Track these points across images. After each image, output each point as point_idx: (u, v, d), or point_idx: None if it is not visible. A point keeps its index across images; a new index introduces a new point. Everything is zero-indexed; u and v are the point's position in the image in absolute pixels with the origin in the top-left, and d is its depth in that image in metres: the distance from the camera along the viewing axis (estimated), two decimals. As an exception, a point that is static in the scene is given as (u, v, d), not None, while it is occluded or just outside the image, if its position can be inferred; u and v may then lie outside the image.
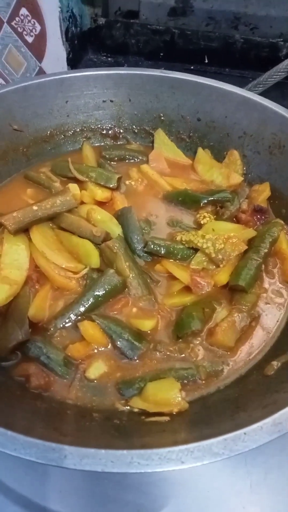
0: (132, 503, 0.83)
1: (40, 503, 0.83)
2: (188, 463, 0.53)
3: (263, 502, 0.83)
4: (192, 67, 1.70)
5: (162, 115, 1.25)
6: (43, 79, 1.15)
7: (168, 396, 0.72)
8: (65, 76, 1.18)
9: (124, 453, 0.53)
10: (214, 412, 0.70)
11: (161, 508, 0.82)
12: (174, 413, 0.71)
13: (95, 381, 0.77)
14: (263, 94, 1.33)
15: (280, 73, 1.47)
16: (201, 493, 0.84)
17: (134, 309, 0.87)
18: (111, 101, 1.25)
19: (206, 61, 1.69)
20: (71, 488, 0.84)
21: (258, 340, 0.85)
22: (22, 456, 0.52)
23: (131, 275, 0.89)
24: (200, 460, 0.53)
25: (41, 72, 1.66)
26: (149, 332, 0.84)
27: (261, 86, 1.50)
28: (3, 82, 1.74)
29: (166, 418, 0.69)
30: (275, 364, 0.76)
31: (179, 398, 0.71)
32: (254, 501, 0.84)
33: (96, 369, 0.77)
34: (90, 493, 0.84)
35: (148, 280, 0.91)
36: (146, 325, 0.83)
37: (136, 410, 0.73)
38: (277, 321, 0.88)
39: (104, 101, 1.24)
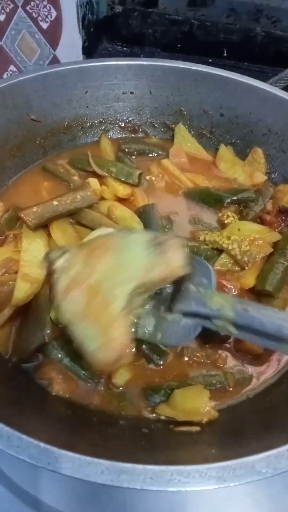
0: (150, 511, 0.81)
1: (56, 507, 0.81)
2: (229, 481, 0.51)
3: (284, 513, 0.82)
4: (210, 60, 1.65)
5: (183, 109, 1.21)
6: (62, 68, 1.10)
7: (197, 404, 0.69)
8: (85, 65, 1.13)
9: (163, 469, 0.50)
10: (247, 424, 0.68)
11: (180, 516, 0.80)
12: (204, 422, 0.68)
13: (121, 388, 0.74)
14: (284, 90, 1.29)
15: (302, 69, 1.43)
16: (222, 501, 0.82)
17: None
18: (131, 93, 1.20)
19: (225, 54, 1.64)
20: (89, 494, 0.82)
21: (287, 347, 0.83)
22: (57, 470, 0.49)
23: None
24: (243, 478, 0.51)
25: (55, 60, 1.61)
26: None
27: (282, 82, 1.46)
28: (15, 70, 1.68)
29: (196, 428, 0.66)
30: (307, 373, 0.74)
31: (209, 407, 0.69)
32: (274, 511, 0.82)
33: (122, 375, 0.74)
34: (107, 499, 0.82)
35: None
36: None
37: (163, 417, 0.70)
38: (306, 328, 0.86)
39: (124, 93, 1.20)
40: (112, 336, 0.61)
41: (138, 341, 0.78)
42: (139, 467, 0.50)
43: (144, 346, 0.77)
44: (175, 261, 0.65)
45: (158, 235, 0.69)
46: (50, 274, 0.74)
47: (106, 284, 0.64)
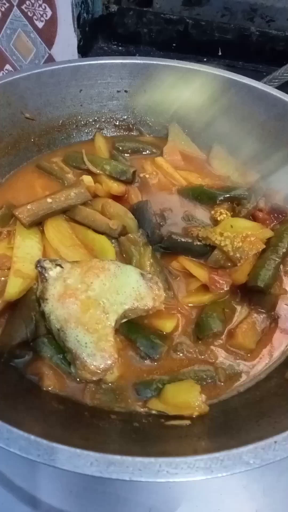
0: (143, 505, 0.81)
1: (49, 503, 0.81)
2: (217, 472, 0.51)
3: (276, 506, 0.82)
4: (205, 59, 1.65)
5: (177, 107, 1.22)
6: (57, 66, 1.11)
7: (188, 398, 0.70)
8: (79, 63, 1.14)
9: (152, 461, 0.51)
10: (237, 417, 0.69)
11: (172, 510, 0.81)
12: (194, 416, 0.69)
13: (111, 383, 0.75)
14: (278, 89, 1.30)
15: (296, 68, 1.44)
16: (214, 495, 0.83)
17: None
18: (126, 91, 1.21)
19: (220, 53, 1.65)
20: (82, 488, 0.82)
21: (278, 343, 0.83)
22: (47, 463, 0.50)
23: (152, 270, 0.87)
24: (231, 469, 0.51)
25: (50, 59, 1.61)
26: (168, 333, 0.81)
27: (276, 81, 1.47)
28: (11, 69, 1.69)
29: (187, 422, 0.67)
30: (296, 368, 0.75)
31: (199, 401, 0.69)
32: (267, 504, 0.82)
33: (112, 373, 0.74)
34: (101, 493, 0.82)
35: (167, 275, 0.89)
36: (168, 326, 0.81)
37: (154, 412, 0.71)
38: (298, 324, 0.87)
39: (118, 91, 1.21)
40: (105, 346, 0.69)
41: (132, 339, 0.79)
42: (128, 458, 0.51)
43: (138, 342, 0.78)
44: (158, 298, 0.77)
45: (145, 273, 0.81)
46: (42, 280, 0.76)
47: (104, 301, 0.73)
